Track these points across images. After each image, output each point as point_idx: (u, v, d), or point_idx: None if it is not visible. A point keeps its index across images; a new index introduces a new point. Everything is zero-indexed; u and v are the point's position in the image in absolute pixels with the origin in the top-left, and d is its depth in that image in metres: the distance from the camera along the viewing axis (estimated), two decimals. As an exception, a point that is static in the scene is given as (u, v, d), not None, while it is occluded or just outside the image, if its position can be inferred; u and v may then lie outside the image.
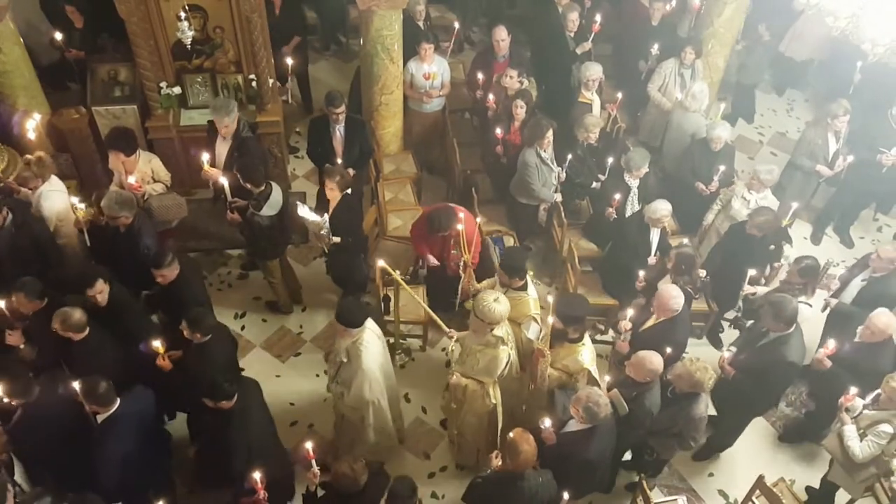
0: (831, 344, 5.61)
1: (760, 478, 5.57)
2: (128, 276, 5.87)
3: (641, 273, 6.30)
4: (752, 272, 6.25)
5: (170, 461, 5.64)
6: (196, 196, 7.62)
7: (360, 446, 5.75)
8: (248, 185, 6.12)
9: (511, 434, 4.75)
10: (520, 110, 7.34)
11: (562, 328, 5.35)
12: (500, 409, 5.61)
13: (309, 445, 4.79)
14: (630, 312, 5.75)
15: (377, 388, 5.36)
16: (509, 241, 7.40)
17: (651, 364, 5.15)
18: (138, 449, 4.99)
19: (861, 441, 5.29)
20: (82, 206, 6.04)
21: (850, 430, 5.34)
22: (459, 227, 6.14)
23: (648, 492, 5.44)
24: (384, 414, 5.62)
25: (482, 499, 4.99)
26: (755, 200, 6.89)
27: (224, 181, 6.10)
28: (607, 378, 5.36)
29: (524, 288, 5.78)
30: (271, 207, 6.22)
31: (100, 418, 4.85)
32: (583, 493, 5.30)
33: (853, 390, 5.38)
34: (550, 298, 5.58)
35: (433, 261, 6.53)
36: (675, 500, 5.75)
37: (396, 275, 5.80)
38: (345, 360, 5.28)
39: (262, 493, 4.73)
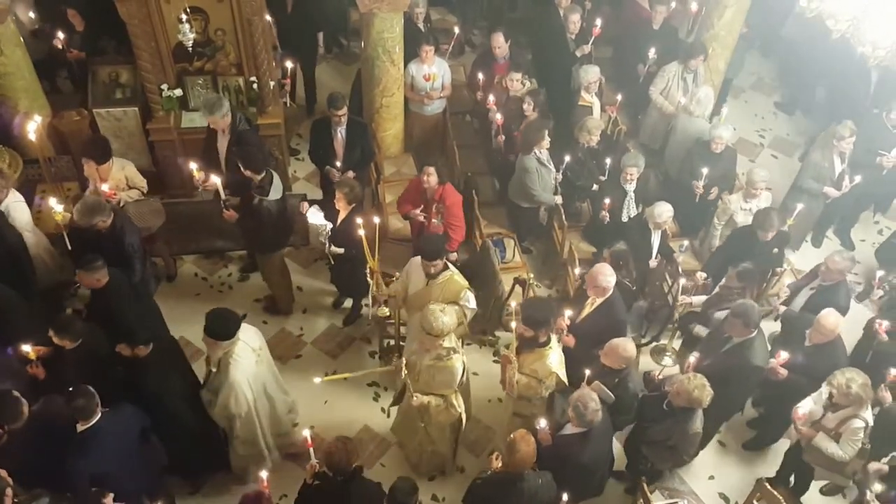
0: (783, 354, 5.65)
1: (760, 480, 5.57)
2: None
3: (577, 271, 6.38)
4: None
5: (162, 470, 5.57)
6: (196, 198, 7.61)
7: (231, 454, 5.74)
8: (249, 173, 6.07)
9: (512, 434, 4.76)
10: (527, 106, 7.39)
11: (532, 334, 5.32)
12: (464, 416, 5.64)
13: (307, 433, 4.78)
14: (568, 311, 5.80)
15: (243, 403, 5.23)
16: (510, 244, 7.41)
17: (624, 351, 5.25)
18: (118, 463, 4.89)
19: (839, 443, 5.30)
20: (59, 207, 5.89)
21: (823, 440, 5.34)
22: (433, 180, 6.33)
23: (649, 494, 5.44)
24: (253, 427, 5.48)
25: (482, 500, 4.99)
26: (755, 207, 6.89)
27: (216, 180, 6.05)
28: (587, 372, 5.34)
29: (445, 268, 5.82)
30: (276, 191, 6.21)
31: (79, 428, 4.77)
32: (581, 496, 5.29)
33: (802, 410, 5.42)
34: (514, 304, 5.59)
35: (420, 216, 6.61)
36: (676, 502, 5.75)
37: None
38: (214, 369, 5.25)
39: (267, 492, 4.73)
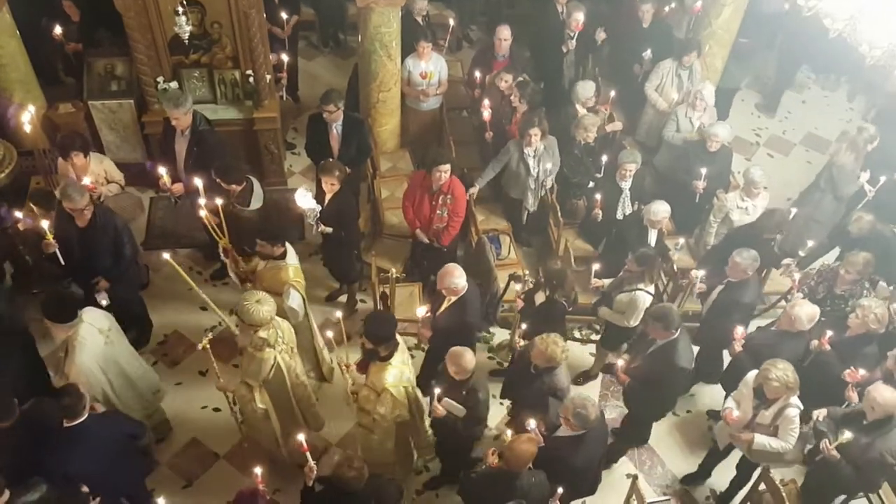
0: (739, 329, 5.70)
1: (756, 483, 5.58)
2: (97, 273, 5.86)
3: (518, 286, 6.34)
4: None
5: (143, 476, 5.56)
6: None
7: None
8: (233, 186, 6.04)
9: (513, 435, 4.78)
10: (515, 98, 7.37)
11: (372, 347, 5.18)
12: (273, 415, 5.43)
13: (302, 437, 4.72)
14: (424, 307, 5.78)
15: (96, 385, 5.16)
16: (505, 240, 7.41)
17: (463, 360, 5.06)
18: (97, 465, 4.78)
19: (777, 435, 5.28)
20: (44, 224, 5.63)
21: (762, 439, 5.29)
22: (444, 173, 6.32)
23: (641, 493, 5.45)
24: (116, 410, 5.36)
25: (475, 495, 5.02)
26: (751, 205, 6.89)
27: (198, 183, 5.88)
28: (437, 391, 5.14)
29: (283, 256, 5.76)
30: (257, 199, 6.19)
31: (65, 424, 4.69)
32: (572, 497, 5.28)
33: (735, 413, 5.40)
34: (338, 313, 5.48)
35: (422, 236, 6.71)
36: (669, 500, 5.77)
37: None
38: (62, 354, 5.19)
39: (262, 488, 4.70)
